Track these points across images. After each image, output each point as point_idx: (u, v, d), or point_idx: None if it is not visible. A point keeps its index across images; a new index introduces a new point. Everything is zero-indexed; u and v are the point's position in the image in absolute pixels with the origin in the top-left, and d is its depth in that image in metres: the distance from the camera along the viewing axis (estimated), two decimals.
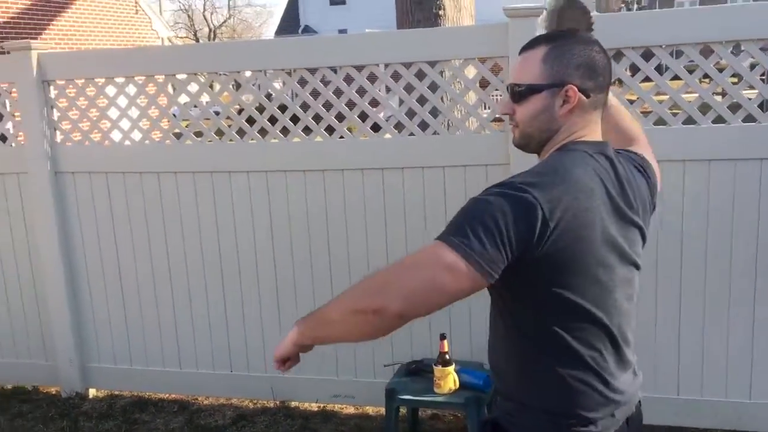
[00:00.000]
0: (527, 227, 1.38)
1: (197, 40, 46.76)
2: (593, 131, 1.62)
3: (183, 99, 3.89)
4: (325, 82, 3.53)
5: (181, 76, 3.78)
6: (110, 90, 3.84)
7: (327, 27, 29.15)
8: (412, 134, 3.48)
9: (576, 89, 1.55)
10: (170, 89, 3.90)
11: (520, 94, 1.60)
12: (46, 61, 3.84)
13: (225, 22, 48.86)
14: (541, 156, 1.65)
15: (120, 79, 3.81)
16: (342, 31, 28.05)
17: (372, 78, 3.49)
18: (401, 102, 3.59)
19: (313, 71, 3.52)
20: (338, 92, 3.57)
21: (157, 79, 3.75)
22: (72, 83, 3.88)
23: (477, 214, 1.40)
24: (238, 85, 3.95)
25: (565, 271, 1.46)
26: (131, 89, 3.82)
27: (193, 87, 3.82)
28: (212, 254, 3.80)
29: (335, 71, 3.49)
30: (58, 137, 3.94)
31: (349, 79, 3.48)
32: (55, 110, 3.91)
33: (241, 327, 3.83)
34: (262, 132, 3.74)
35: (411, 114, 3.56)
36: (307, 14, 30.49)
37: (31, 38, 11.66)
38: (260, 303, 3.78)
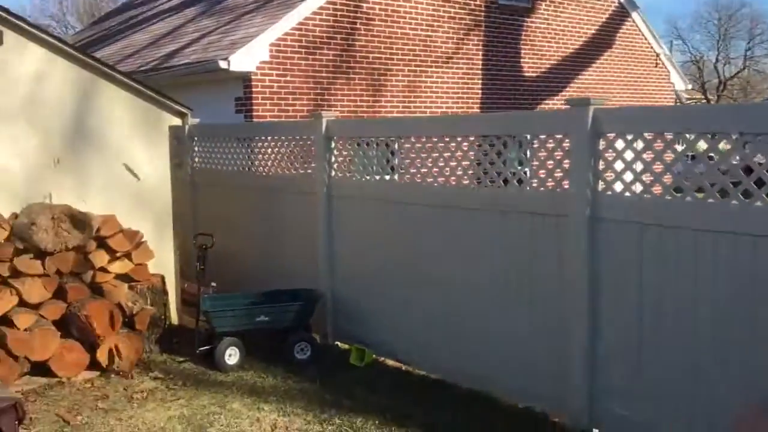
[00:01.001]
0: None
1: (704, 92, 44.81)
2: None
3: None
4: None
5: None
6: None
7: None
8: None
9: None
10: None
11: None
12: (600, 115, 4.14)
13: (738, 73, 45.85)
14: None
15: (691, 135, 3.89)
16: None
17: None
18: None
19: None
20: None
21: None
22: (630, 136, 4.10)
23: None
24: None
25: None
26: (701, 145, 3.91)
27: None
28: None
29: None
30: (600, 186, 4.20)
31: None
32: (601, 161, 4.19)
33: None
34: None
35: None
36: None
37: (558, 91, 12.79)
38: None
